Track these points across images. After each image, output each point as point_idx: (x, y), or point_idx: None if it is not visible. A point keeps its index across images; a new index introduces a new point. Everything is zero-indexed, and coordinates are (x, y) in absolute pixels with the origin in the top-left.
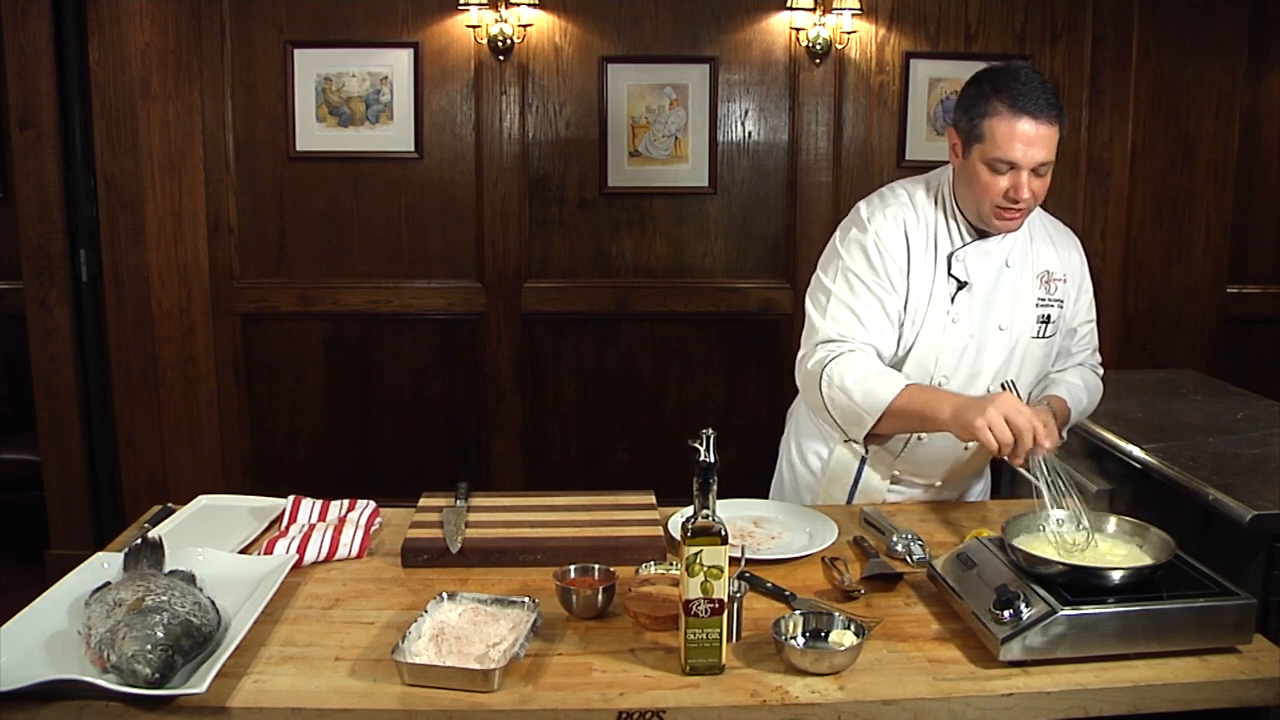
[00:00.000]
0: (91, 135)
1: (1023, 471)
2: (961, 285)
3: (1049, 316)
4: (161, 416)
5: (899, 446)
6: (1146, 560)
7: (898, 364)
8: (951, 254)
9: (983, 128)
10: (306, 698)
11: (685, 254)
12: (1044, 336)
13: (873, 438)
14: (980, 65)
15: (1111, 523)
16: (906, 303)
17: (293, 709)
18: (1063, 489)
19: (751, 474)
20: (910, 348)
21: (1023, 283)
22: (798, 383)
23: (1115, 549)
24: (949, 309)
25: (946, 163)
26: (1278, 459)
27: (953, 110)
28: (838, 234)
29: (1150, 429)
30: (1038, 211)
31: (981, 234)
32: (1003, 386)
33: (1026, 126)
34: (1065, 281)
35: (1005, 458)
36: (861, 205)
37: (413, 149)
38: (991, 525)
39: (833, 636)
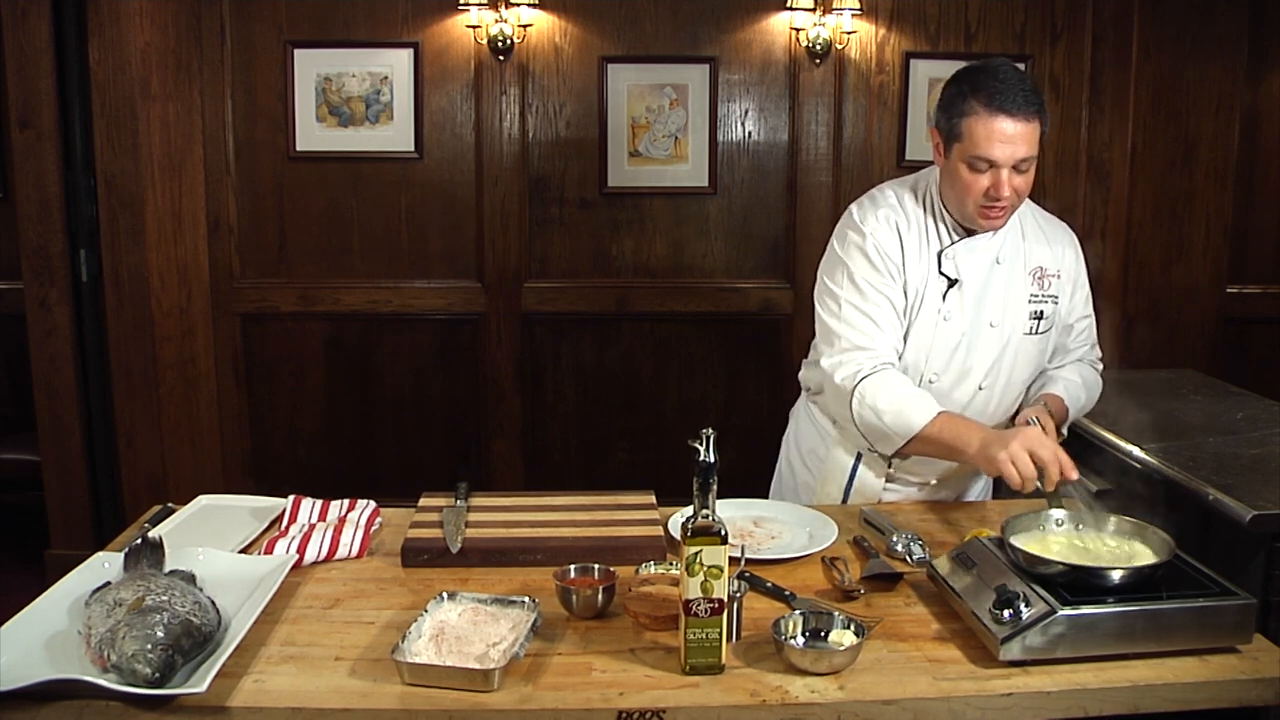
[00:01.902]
0: (91, 135)
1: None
2: (952, 283)
3: (1042, 313)
4: (161, 416)
5: None
6: (1148, 559)
7: None
8: (941, 252)
9: (961, 127)
10: (306, 697)
11: (685, 254)
12: (1037, 333)
13: (897, 454)
14: None
15: (1111, 523)
16: (905, 298)
17: (293, 709)
18: (1048, 496)
19: (751, 474)
20: (903, 345)
21: (1014, 279)
22: (806, 388)
23: (1116, 548)
24: (940, 307)
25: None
26: (1278, 459)
27: (935, 110)
28: (835, 239)
29: (1150, 429)
30: (1031, 207)
31: (970, 232)
32: (1027, 422)
33: (1004, 124)
34: (1059, 277)
35: (1027, 493)
36: (854, 208)
37: (413, 149)
38: (991, 525)
39: (833, 636)
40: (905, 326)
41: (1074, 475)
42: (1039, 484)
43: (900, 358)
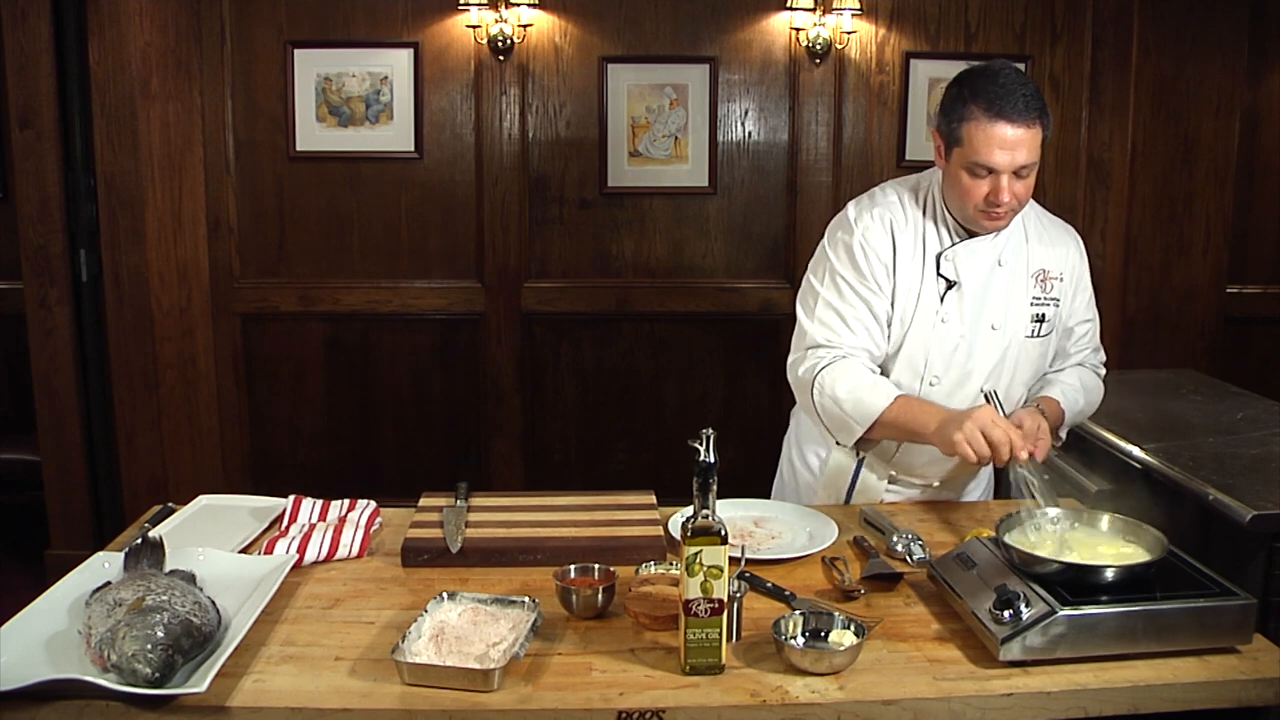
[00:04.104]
0: (91, 135)
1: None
2: (950, 285)
3: (1043, 316)
4: (161, 416)
5: (892, 449)
6: (1141, 557)
7: (888, 363)
8: (940, 254)
9: (961, 132)
10: (306, 697)
11: (685, 254)
12: (1038, 336)
13: (863, 443)
14: None
15: (1105, 520)
16: (894, 302)
17: (293, 709)
18: (1043, 494)
19: (752, 474)
20: (900, 347)
21: (1016, 282)
22: (791, 385)
23: (1109, 547)
24: (938, 309)
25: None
26: (1278, 459)
27: (936, 113)
28: (826, 235)
29: (1150, 429)
30: (1035, 208)
31: (972, 233)
32: (986, 399)
33: (1004, 131)
34: (1062, 280)
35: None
36: (850, 206)
37: (413, 149)
38: (991, 525)
39: (833, 636)
40: (903, 329)
41: (1022, 455)
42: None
43: (894, 361)
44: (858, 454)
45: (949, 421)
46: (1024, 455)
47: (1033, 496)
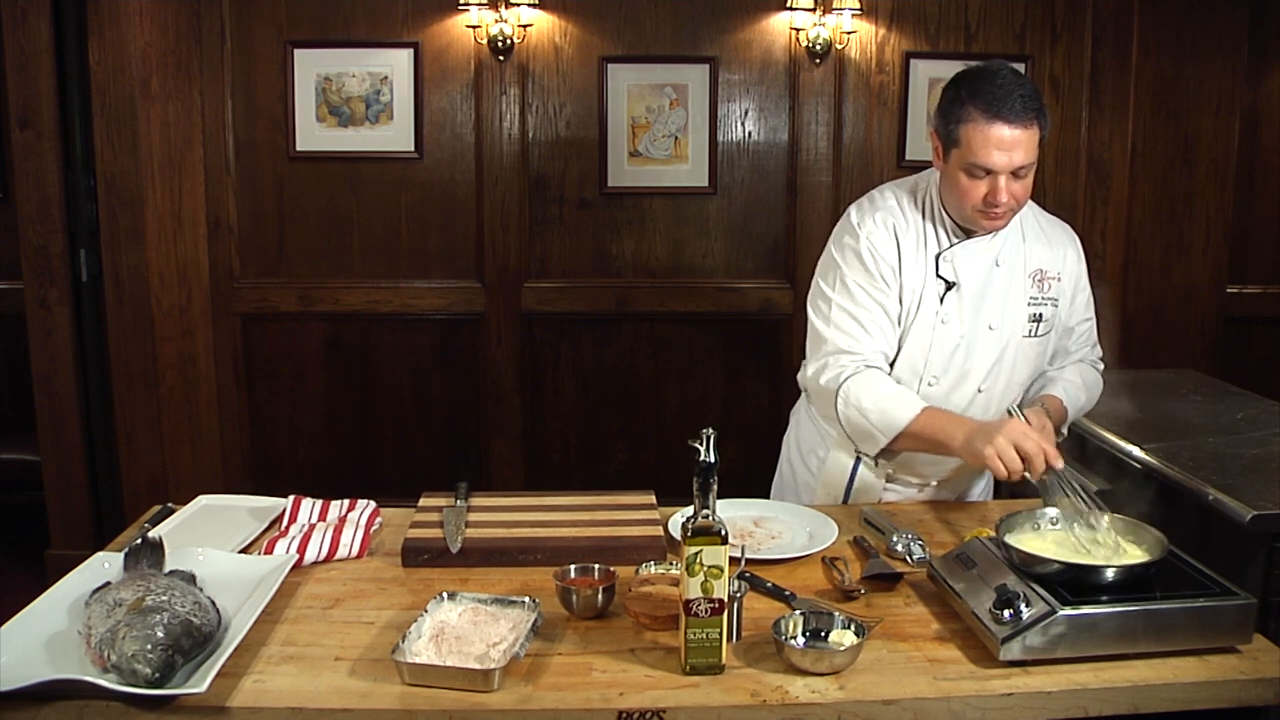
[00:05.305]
0: (91, 135)
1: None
2: (950, 285)
3: (1041, 315)
4: (161, 416)
5: None
6: (1141, 557)
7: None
8: (939, 254)
9: (959, 133)
10: (306, 698)
11: (685, 254)
12: (1036, 335)
13: (885, 453)
14: None
15: (1106, 521)
16: (900, 302)
17: (293, 709)
18: (1083, 501)
19: (751, 474)
20: (901, 348)
21: (1014, 282)
22: (804, 390)
23: (1109, 546)
24: (938, 309)
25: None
26: (1278, 459)
27: (934, 114)
28: (832, 241)
29: (1150, 429)
30: (1033, 208)
31: (970, 233)
32: (1008, 413)
33: (1002, 132)
34: (1060, 280)
35: (1014, 482)
36: (852, 210)
37: (413, 149)
38: (991, 525)
39: (833, 636)
40: (902, 329)
41: (1059, 464)
42: (1025, 474)
43: (894, 361)
44: (875, 463)
45: (977, 434)
46: (1059, 465)
47: (1068, 496)
